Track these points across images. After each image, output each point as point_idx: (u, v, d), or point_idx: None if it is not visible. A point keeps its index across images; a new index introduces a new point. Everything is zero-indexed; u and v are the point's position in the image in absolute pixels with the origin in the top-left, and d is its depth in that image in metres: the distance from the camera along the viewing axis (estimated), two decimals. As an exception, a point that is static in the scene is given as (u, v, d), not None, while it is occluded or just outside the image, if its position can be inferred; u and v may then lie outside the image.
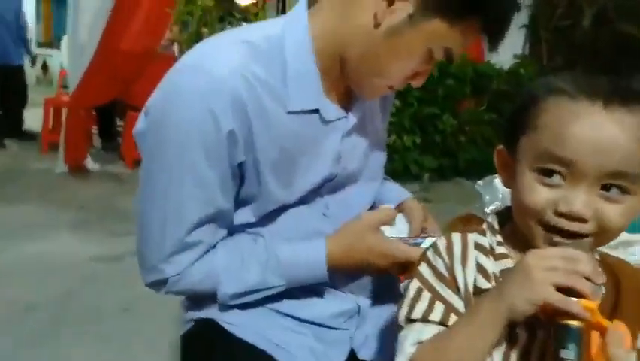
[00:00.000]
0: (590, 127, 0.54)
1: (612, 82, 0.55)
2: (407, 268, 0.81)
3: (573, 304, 0.50)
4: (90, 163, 4.07)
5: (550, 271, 0.52)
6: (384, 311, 0.89)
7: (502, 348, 0.59)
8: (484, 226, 0.66)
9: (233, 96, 0.73)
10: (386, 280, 0.96)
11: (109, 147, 4.61)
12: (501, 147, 0.64)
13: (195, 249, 0.80)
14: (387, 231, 0.86)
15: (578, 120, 0.54)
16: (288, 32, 0.80)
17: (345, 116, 0.86)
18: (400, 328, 0.64)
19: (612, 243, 0.97)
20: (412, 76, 0.81)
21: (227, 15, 3.88)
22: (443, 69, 4.27)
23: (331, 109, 0.83)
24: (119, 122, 4.89)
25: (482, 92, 4.51)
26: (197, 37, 3.66)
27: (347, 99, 0.87)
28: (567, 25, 5.09)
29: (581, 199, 0.54)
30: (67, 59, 4.04)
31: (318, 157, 0.84)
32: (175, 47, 4.38)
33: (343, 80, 0.84)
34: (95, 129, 4.77)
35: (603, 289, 0.60)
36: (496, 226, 0.66)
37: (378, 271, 0.84)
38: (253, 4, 3.95)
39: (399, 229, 0.89)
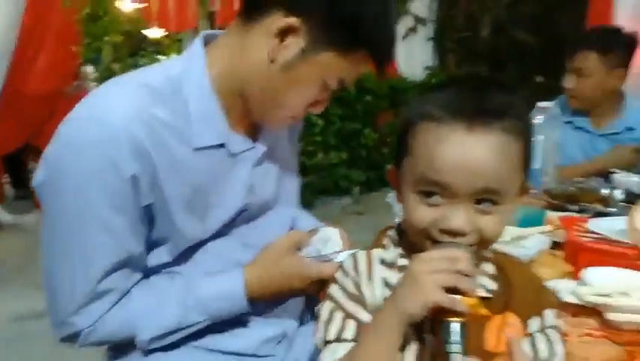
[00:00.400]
0: (455, 150, 0.58)
1: (474, 103, 0.59)
2: (324, 284, 0.82)
3: (456, 301, 0.55)
4: (3, 215, 3.81)
5: (435, 274, 0.56)
6: (312, 332, 0.91)
7: (414, 351, 0.63)
8: (385, 241, 0.70)
9: (133, 142, 0.74)
10: (309, 300, 0.99)
11: (22, 196, 4.32)
12: (390, 166, 0.68)
13: (108, 297, 0.79)
14: (303, 252, 0.88)
15: (444, 144, 0.58)
16: (186, 72, 0.81)
17: (254, 147, 0.88)
18: (319, 351, 0.66)
19: (506, 238, 1.06)
20: (312, 104, 0.85)
21: (139, 49, 3.80)
22: (360, 86, 4.44)
23: (238, 141, 0.85)
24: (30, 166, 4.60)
25: (398, 105, 4.71)
26: (109, 74, 3.56)
27: (254, 129, 0.89)
28: (468, 35, 5.47)
29: (458, 216, 0.58)
30: (-32, 107, 3.76)
31: (230, 190, 0.85)
32: (89, 86, 4.22)
33: (247, 113, 0.86)
34: (5, 178, 4.46)
35: (494, 285, 0.65)
36: (397, 239, 0.69)
37: (297, 292, 0.86)
38: (165, 37, 3.89)
39: (316, 249, 0.92)
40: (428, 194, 0.60)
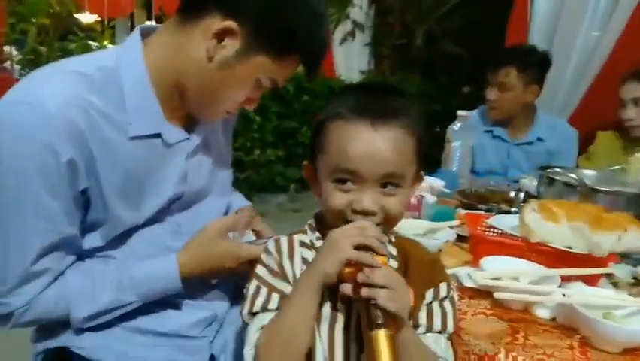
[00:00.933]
0: (362, 143, 0.69)
1: (376, 104, 0.70)
2: (254, 265, 0.89)
3: (367, 256, 0.65)
4: None
5: (349, 237, 0.66)
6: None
7: (327, 323, 0.71)
8: (305, 227, 0.79)
9: (70, 126, 0.76)
10: (240, 285, 1.04)
11: None
12: (306, 162, 0.78)
13: (42, 278, 0.80)
14: (231, 235, 0.93)
15: (353, 138, 0.69)
16: (123, 64, 0.84)
17: (188, 138, 0.92)
18: (246, 324, 0.73)
19: (420, 231, 1.17)
20: (245, 101, 0.90)
21: (69, 33, 3.64)
22: (299, 85, 4.51)
23: (173, 132, 0.89)
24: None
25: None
26: (35, 57, 3.38)
27: (190, 121, 0.93)
28: (403, 43, 5.70)
29: (367, 198, 0.69)
30: None
31: (164, 178, 0.88)
32: (10, 67, 3.97)
33: (183, 105, 0.90)
34: None
35: (396, 264, 0.75)
36: (314, 225, 0.79)
37: (229, 272, 0.90)
38: (97, 22, 3.76)
39: (241, 228, 0.97)
40: (342, 181, 0.70)
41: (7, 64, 3.58)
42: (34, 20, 3.22)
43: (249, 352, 0.71)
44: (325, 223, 0.76)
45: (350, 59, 5.89)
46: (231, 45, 0.83)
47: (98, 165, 0.80)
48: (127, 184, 0.83)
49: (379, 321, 0.61)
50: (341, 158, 0.70)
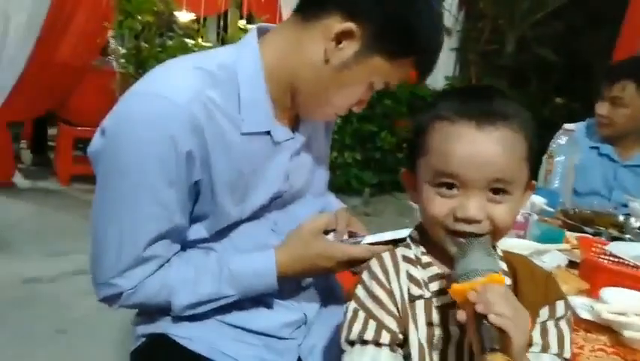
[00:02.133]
0: (468, 145, 0.64)
1: (482, 105, 0.66)
2: (350, 264, 0.87)
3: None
4: (19, 180, 3.85)
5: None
6: (330, 321, 0.94)
7: (438, 353, 0.67)
8: (408, 239, 0.75)
9: (192, 121, 0.78)
10: (330, 289, 1.03)
11: (40, 162, 4.38)
12: (405, 169, 0.74)
13: (150, 263, 0.83)
14: (330, 236, 0.92)
15: (458, 140, 0.65)
16: (240, 61, 0.85)
17: (293, 137, 0.92)
18: (342, 351, 0.70)
19: (527, 252, 1.10)
20: (356, 103, 0.89)
21: (168, 31, 3.84)
22: (381, 90, 4.47)
23: (281, 131, 0.89)
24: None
25: (418, 111, 4.73)
26: (137, 53, 3.60)
27: (295, 121, 0.94)
28: (492, 49, 5.47)
29: (473, 205, 0.64)
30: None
31: (269, 176, 0.89)
32: (114, 62, 4.27)
33: (292, 105, 0.90)
34: (23, 144, 4.53)
35: (509, 280, 0.69)
36: (418, 238, 0.73)
37: (325, 271, 0.90)
38: (193, 20, 3.94)
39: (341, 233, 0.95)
40: (445, 187, 0.66)
41: (112, 57, 3.86)
42: (139, 18, 3.42)
43: None
44: (428, 235, 0.71)
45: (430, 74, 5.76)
46: (349, 47, 0.82)
47: (211, 158, 0.82)
48: (235, 179, 0.85)
49: (495, 345, 0.56)
50: (444, 161, 0.65)
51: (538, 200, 1.55)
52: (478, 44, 5.57)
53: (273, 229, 0.93)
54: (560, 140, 1.69)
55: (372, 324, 0.68)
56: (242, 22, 4.38)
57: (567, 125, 1.69)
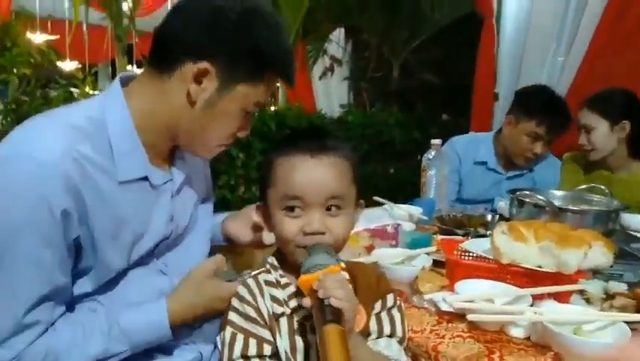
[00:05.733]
0: (306, 171, 0.78)
1: (314, 140, 0.80)
2: None
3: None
4: None
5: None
6: None
7: (303, 353, 0.77)
8: (267, 265, 0.84)
9: (64, 179, 0.78)
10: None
11: None
12: (259, 203, 0.85)
13: (32, 330, 0.80)
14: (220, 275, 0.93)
15: (296, 168, 0.78)
16: (107, 112, 0.87)
17: (171, 179, 0.94)
18: None
19: (398, 259, 1.20)
20: (239, 130, 0.94)
21: (51, 82, 3.68)
22: (281, 122, 4.58)
23: (158, 174, 0.92)
24: None
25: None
26: (17, 106, 3.40)
27: (170, 161, 0.96)
28: (380, 76, 5.86)
29: (316, 219, 0.77)
30: None
31: (153, 220, 0.90)
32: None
33: (167, 146, 0.93)
34: None
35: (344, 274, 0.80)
36: (276, 263, 0.84)
37: (218, 313, 0.89)
38: (78, 69, 3.81)
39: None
40: (291, 209, 0.78)
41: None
42: (15, 71, 3.25)
43: None
44: (285, 260, 0.81)
45: (330, 93, 6.04)
46: (210, 84, 0.87)
47: (90, 213, 0.81)
48: (117, 229, 0.85)
49: (331, 317, 0.67)
50: (287, 186, 0.77)
51: (415, 210, 1.69)
52: (367, 72, 5.93)
53: (163, 270, 0.94)
54: (429, 155, 1.86)
55: (252, 341, 0.76)
56: (130, 69, 4.31)
57: (434, 141, 1.87)
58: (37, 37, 3.95)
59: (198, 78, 0.86)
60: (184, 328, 0.92)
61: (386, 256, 1.20)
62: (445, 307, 0.99)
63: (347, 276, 0.81)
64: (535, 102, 1.92)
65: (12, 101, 3.43)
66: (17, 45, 3.29)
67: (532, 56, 2.86)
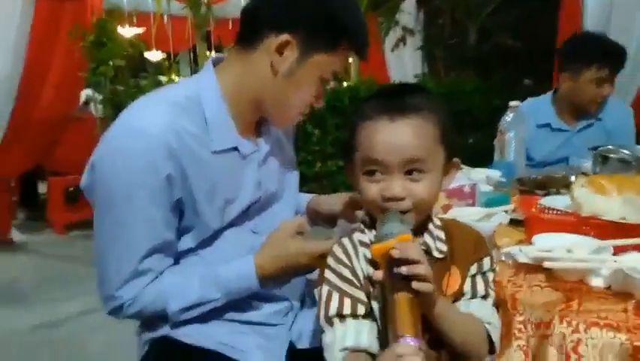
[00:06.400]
0: (383, 133, 0.78)
1: (395, 102, 0.79)
2: (324, 258, 0.94)
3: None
4: (15, 234, 3.95)
5: None
6: (314, 306, 1.00)
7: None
8: (362, 225, 0.85)
9: (167, 148, 0.90)
10: (309, 280, 1.14)
11: (33, 216, 4.48)
12: (347, 166, 0.86)
13: (146, 276, 0.95)
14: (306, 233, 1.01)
15: (375, 132, 0.78)
16: (202, 90, 0.98)
17: (258, 149, 1.04)
18: (322, 331, 0.80)
19: (476, 217, 1.22)
20: (314, 98, 1.02)
21: (141, 71, 3.99)
22: (354, 97, 4.62)
23: (246, 145, 1.02)
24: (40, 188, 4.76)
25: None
26: (114, 97, 3.74)
27: (257, 133, 1.07)
28: (455, 43, 5.67)
29: (395, 185, 0.77)
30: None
31: (242, 186, 1.01)
32: (92, 107, 4.40)
33: (254, 119, 1.03)
34: (15, 199, 4.62)
35: (445, 246, 0.82)
36: (369, 223, 0.84)
37: (302, 268, 0.99)
38: (164, 59, 4.09)
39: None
40: (371, 173, 0.79)
41: (91, 105, 3.99)
42: (111, 63, 3.57)
43: None
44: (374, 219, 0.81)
45: (403, 64, 5.95)
46: (291, 54, 0.95)
47: (189, 177, 0.94)
48: (212, 192, 0.97)
49: (401, 285, 0.68)
50: (367, 151, 0.78)
51: (493, 173, 1.68)
52: (441, 40, 5.76)
53: (254, 230, 1.04)
54: (507, 117, 1.83)
55: (347, 301, 0.78)
56: (211, 54, 4.54)
57: (512, 103, 1.83)
58: (127, 31, 4.27)
59: (280, 50, 0.94)
60: (274, 281, 1.01)
61: (464, 213, 1.22)
62: (522, 259, 1.01)
63: (442, 236, 0.82)
64: (587, 49, 1.92)
65: (109, 91, 3.79)
66: (111, 40, 3.60)
67: (621, 13, 2.65)
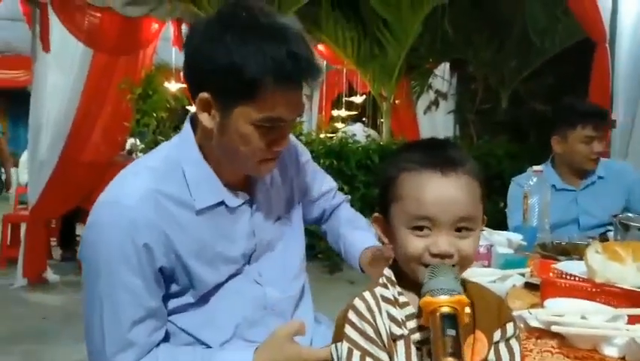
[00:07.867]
0: (436, 189, 0.74)
1: (441, 155, 0.76)
2: None
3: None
4: (50, 275, 4.09)
5: None
6: None
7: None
8: (384, 279, 0.79)
9: (144, 218, 0.90)
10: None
11: (69, 257, 4.63)
12: (376, 214, 0.83)
13: (135, 348, 0.92)
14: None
15: (426, 187, 0.74)
16: (180, 150, 0.98)
17: (249, 199, 1.02)
18: None
19: (493, 278, 1.23)
20: (271, 145, 0.94)
21: (181, 123, 4.21)
22: (383, 155, 4.71)
23: (233, 198, 0.99)
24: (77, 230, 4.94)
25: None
26: (154, 145, 3.94)
27: (247, 182, 1.03)
28: (487, 107, 5.75)
29: (444, 241, 0.73)
30: (28, 175, 4.19)
31: (234, 239, 1.01)
32: (134, 156, 4.63)
33: (235, 170, 1.01)
34: (53, 240, 4.80)
35: (469, 309, 0.75)
36: (394, 278, 0.79)
37: None
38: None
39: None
40: (419, 228, 0.75)
41: (134, 154, 4.21)
42: (155, 115, 3.79)
43: None
44: (402, 275, 0.78)
45: (435, 126, 6.06)
46: (215, 112, 0.92)
47: (174, 242, 0.93)
48: (203, 252, 0.96)
49: (452, 350, 0.65)
50: (417, 205, 0.74)
51: (515, 237, 1.68)
52: (473, 104, 5.86)
53: (257, 280, 1.04)
54: (531, 181, 1.85)
55: (369, 360, 0.73)
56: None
57: (535, 167, 1.86)
58: (173, 86, 4.55)
59: (206, 109, 0.92)
60: None
61: (479, 274, 1.23)
62: (534, 323, 1.00)
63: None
64: (569, 113, 2.08)
65: (151, 141, 4.00)
66: (157, 93, 3.84)
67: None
